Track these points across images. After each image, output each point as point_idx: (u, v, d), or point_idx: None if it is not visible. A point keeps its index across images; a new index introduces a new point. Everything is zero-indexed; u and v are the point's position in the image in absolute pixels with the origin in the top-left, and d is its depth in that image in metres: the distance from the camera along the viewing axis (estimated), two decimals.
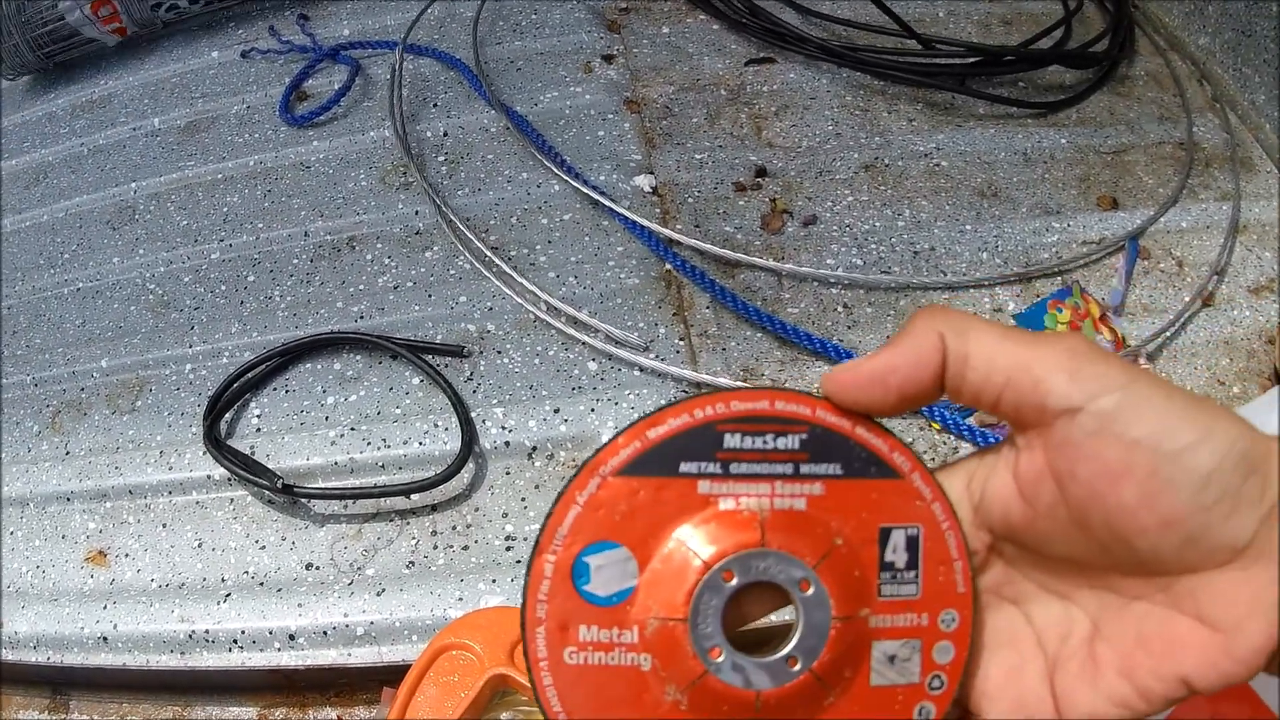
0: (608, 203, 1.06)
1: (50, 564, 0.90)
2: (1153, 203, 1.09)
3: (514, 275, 1.01)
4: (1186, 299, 1.00)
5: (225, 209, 1.15)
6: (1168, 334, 0.98)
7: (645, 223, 1.04)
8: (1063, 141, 1.15)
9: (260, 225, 1.12)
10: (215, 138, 1.23)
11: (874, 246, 1.04)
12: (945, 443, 0.90)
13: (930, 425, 0.91)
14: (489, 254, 1.03)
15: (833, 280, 1.02)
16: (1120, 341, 0.96)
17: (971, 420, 0.91)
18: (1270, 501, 0.32)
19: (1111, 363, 0.34)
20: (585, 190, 1.07)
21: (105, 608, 0.86)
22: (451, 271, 1.05)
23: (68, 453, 0.97)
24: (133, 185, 1.20)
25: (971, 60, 1.19)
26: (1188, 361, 0.96)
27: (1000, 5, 1.34)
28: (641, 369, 0.95)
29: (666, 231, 1.04)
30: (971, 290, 1.01)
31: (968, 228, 1.06)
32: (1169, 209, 1.08)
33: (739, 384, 0.93)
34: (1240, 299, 1.01)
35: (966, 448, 0.90)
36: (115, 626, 0.84)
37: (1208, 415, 0.33)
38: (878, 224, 1.07)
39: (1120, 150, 1.15)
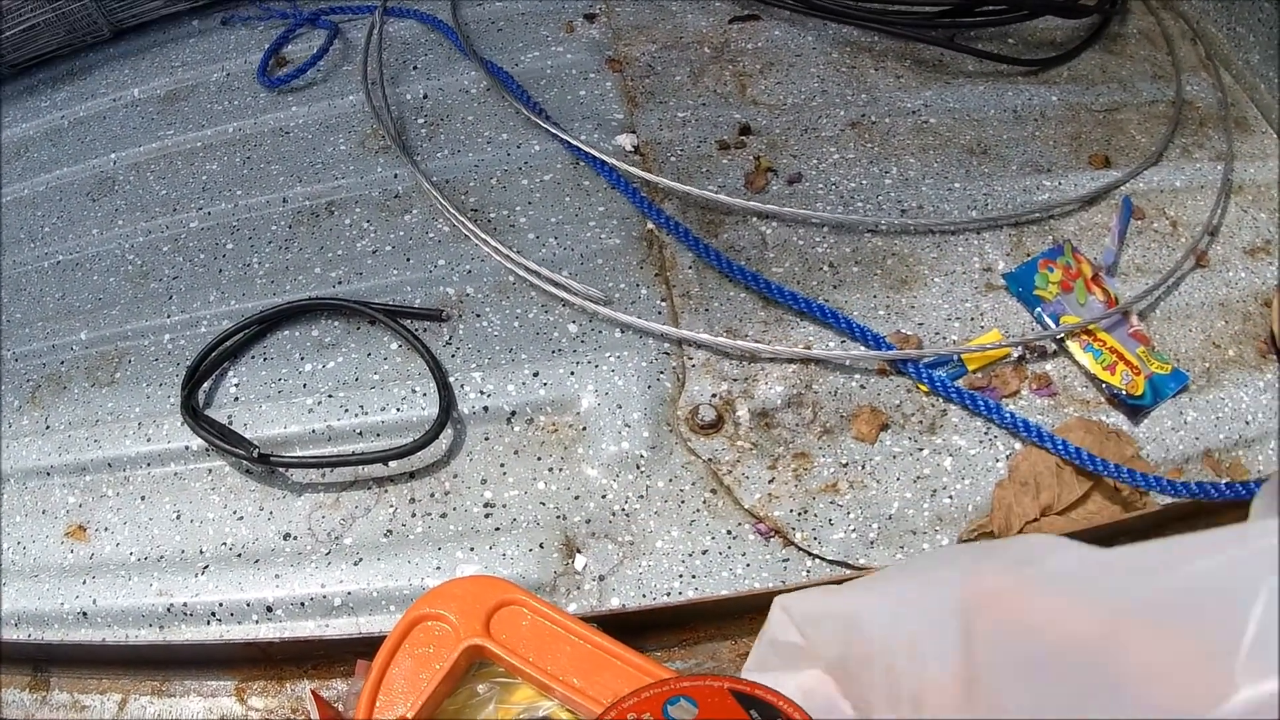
0: (594, 152, 1.01)
1: (30, 540, 0.87)
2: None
3: (487, 239, 0.97)
4: (1180, 258, 0.95)
5: (204, 177, 1.10)
6: (1161, 294, 0.94)
7: (635, 171, 0.99)
8: (1054, 99, 1.10)
9: (239, 192, 1.08)
10: (195, 106, 1.18)
11: (860, 204, 1.00)
12: (933, 404, 0.86)
13: (918, 387, 0.87)
14: (463, 218, 0.99)
15: (816, 221, 0.98)
16: (1113, 301, 0.91)
17: (960, 383, 0.86)
18: None
19: None
20: (569, 139, 1.02)
21: (85, 583, 0.83)
22: (430, 235, 1.01)
23: (48, 427, 0.93)
24: (112, 156, 1.15)
25: (948, 7, 1.13)
26: (1182, 323, 0.92)
27: None
28: (623, 330, 0.91)
29: (655, 178, 0.99)
30: (960, 249, 0.96)
31: (956, 185, 1.01)
32: (1150, 166, 1.03)
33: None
34: (1236, 260, 0.97)
35: (954, 410, 0.85)
36: (95, 601, 0.81)
37: None
38: (864, 182, 1.02)
39: (1112, 108, 1.10)
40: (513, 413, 0.87)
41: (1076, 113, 1.09)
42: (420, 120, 1.11)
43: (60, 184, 1.15)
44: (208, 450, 0.88)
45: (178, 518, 0.85)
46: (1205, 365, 0.90)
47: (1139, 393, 0.86)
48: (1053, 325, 0.90)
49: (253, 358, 0.94)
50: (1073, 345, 0.89)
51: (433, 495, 0.84)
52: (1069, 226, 0.99)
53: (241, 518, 0.85)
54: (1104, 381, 0.87)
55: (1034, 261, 0.94)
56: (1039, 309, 0.91)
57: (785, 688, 0.60)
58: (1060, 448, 0.82)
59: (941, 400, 0.86)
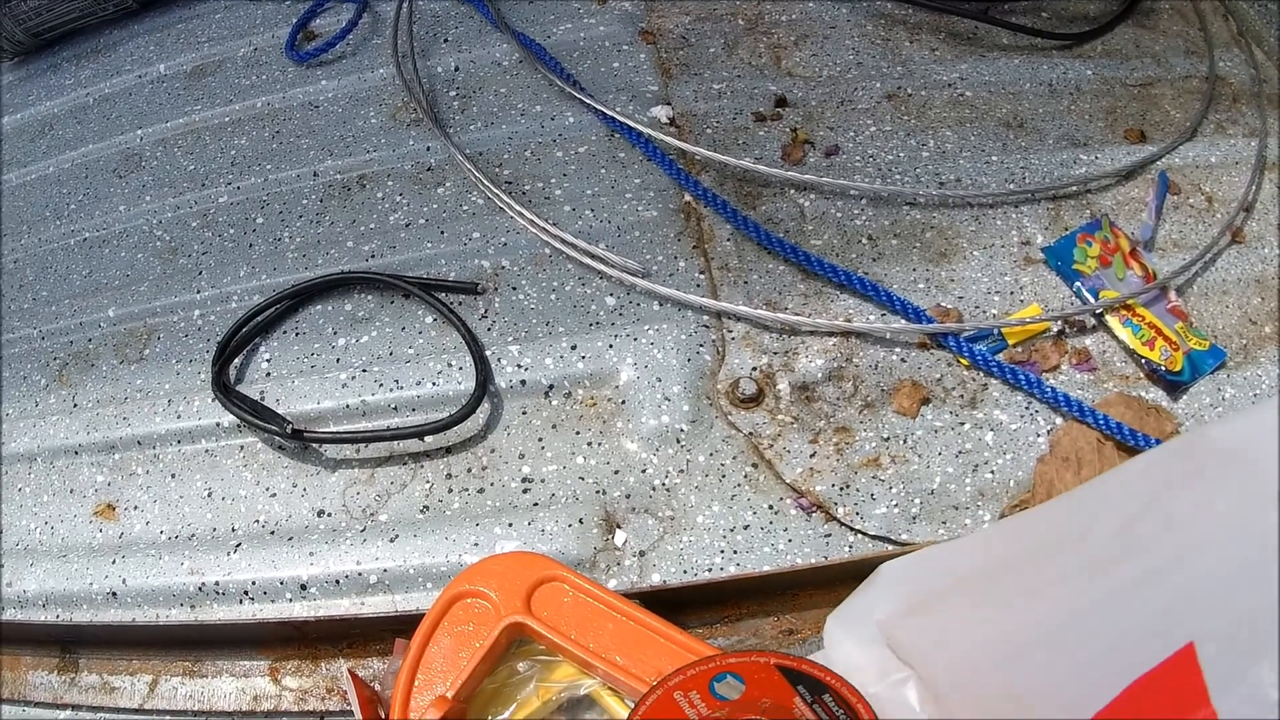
0: (630, 123, 0.97)
1: (59, 519, 0.85)
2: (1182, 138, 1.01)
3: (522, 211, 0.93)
4: (1216, 234, 0.92)
5: (233, 152, 1.06)
6: (1198, 270, 0.90)
7: (672, 142, 0.95)
8: (1088, 73, 1.06)
9: (269, 167, 1.04)
10: (222, 81, 1.14)
11: (898, 177, 0.96)
12: (974, 379, 0.83)
13: (959, 361, 0.83)
14: (496, 189, 0.95)
15: (854, 193, 0.94)
16: (1151, 276, 0.88)
17: (1001, 357, 0.83)
18: None
19: None
20: (605, 110, 0.98)
21: (114, 562, 0.80)
22: (464, 207, 0.97)
23: (75, 405, 0.90)
24: (139, 132, 1.12)
25: None
26: (1219, 300, 0.89)
27: None
28: (661, 302, 0.87)
29: (692, 148, 0.95)
30: (998, 223, 0.92)
31: (994, 158, 0.97)
32: (1184, 142, 1.00)
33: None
34: (1271, 237, 0.93)
35: (995, 384, 0.82)
36: (124, 581, 0.79)
37: None
38: (901, 154, 0.98)
39: (1147, 83, 1.06)
40: (550, 386, 0.83)
41: (1111, 87, 1.05)
42: (452, 93, 1.07)
43: (86, 161, 1.12)
44: (239, 427, 0.84)
45: (209, 495, 0.82)
46: (1242, 342, 0.86)
47: (1178, 369, 0.83)
48: (1092, 300, 0.86)
49: (285, 333, 0.90)
50: (1112, 320, 0.85)
51: (470, 470, 0.80)
52: (1106, 201, 0.95)
53: (274, 494, 0.81)
54: (1143, 357, 0.83)
55: (1072, 235, 0.90)
56: (1078, 283, 0.87)
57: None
58: (1101, 423, 0.78)
59: (982, 374, 0.83)
